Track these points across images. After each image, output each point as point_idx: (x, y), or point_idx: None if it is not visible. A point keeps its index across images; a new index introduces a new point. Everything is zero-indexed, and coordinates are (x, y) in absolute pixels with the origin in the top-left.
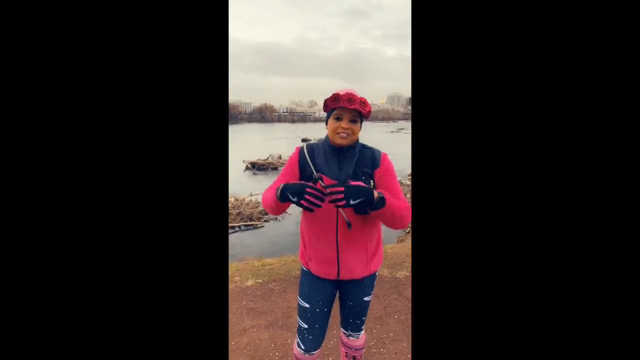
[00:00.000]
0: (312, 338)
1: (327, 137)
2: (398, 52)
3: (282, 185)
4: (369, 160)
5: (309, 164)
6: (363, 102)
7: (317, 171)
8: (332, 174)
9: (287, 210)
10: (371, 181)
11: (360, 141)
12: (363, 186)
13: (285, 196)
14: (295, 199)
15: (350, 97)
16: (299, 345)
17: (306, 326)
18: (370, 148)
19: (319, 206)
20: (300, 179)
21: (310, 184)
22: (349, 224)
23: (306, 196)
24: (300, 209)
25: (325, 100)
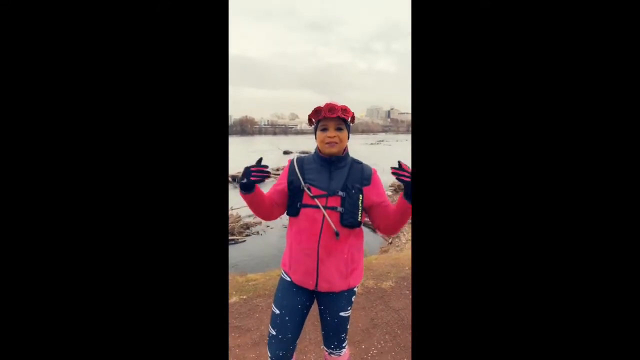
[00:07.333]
0: (281, 346)
1: (317, 148)
2: (368, 65)
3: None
4: (359, 176)
5: (297, 175)
6: (344, 110)
7: (305, 182)
8: (322, 184)
9: (269, 224)
10: (360, 195)
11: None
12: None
13: (241, 186)
14: (245, 180)
15: (331, 107)
16: (270, 356)
17: (274, 333)
18: (360, 163)
19: (268, 176)
20: (289, 189)
21: (253, 165)
22: (337, 234)
23: (252, 174)
24: (287, 220)
25: (309, 116)
